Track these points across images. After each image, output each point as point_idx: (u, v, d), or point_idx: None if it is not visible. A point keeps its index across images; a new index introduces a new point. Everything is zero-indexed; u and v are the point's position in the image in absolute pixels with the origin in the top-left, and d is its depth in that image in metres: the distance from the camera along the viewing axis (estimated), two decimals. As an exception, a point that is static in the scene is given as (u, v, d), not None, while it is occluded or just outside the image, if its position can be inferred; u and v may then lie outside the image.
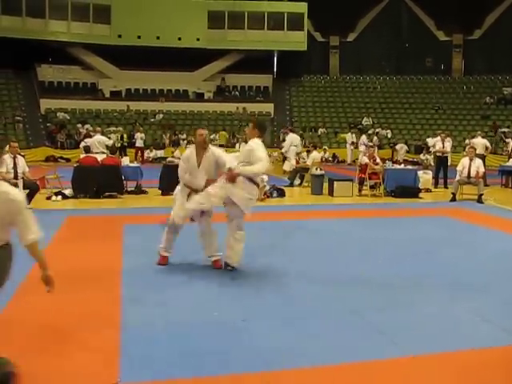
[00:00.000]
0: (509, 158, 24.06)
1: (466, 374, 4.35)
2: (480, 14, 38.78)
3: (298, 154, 20.27)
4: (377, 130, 32.54)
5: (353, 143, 28.99)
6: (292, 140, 21.43)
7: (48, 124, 32.06)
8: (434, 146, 20.20)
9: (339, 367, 4.41)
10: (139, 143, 27.76)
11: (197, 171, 7.22)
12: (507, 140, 26.76)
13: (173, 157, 16.39)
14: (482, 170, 14.72)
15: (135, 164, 16.32)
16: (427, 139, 24.37)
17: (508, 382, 4.28)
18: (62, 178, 14.77)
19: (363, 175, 15.36)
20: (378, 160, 15.84)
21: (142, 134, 28.12)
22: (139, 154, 27.36)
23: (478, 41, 39.53)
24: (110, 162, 14.47)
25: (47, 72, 35.36)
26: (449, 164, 18.15)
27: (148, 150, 28.43)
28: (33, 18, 32.39)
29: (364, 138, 28.86)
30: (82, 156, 15.14)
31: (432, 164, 19.80)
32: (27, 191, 12.13)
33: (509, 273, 7.39)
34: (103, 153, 16.50)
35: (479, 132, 21.35)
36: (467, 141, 27.64)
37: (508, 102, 35.93)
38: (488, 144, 19.35)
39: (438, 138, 20.34)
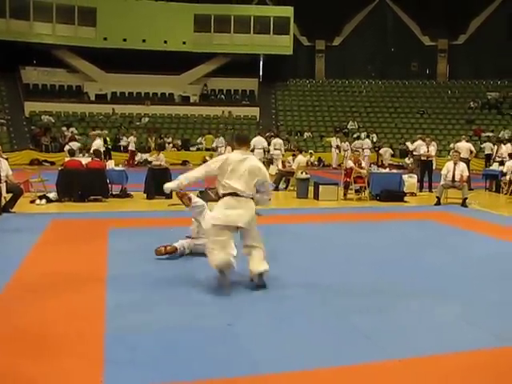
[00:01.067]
0: (486, 163, 24.33)
1: (451, 377, 4.36)
2: (465, 20, 39.15)
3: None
4: (361, 135, 32.71)
5: (337, 147, 29.11)
6: (255, 143, 21.57)
7: (32, 127, 31.84)
8: (414, 149, 20.41)
9: (325, 371, 4.40)
10: (132, 146, 27.92)
11: None
12: (482, 145, 27.00)
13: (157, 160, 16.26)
14: (466, 173, 14.82)
15: (120, 167, 16.22)
16: (407, 143, 24.53)
17: (492, 386, 4.30)
18: (46, 181, 14.67)
19: (348, 179, 15.39)
20: (364, 164, 15.89)
21: (136, 138, 28.35)
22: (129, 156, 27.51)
23: (462, 46, 39.87)
24: (94, 165, 14.40)
25: (32, 74, 35.15)
26: (433, 168, 18.27)
27: (133, 154, 28.43)
28: (17, 19, 32.20)
29: (368, 141, 29.00)
30: (67, 159, 15.05)
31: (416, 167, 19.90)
32: (11, 195, 12.04)
33: (493, 276, 7.44)
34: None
35: (464, 136, 21.49)
36: (452, 145, 27.87)
37: (492, 106, 36.24)
38: (472, 148, 19.49)
39: (419, 141, 20.56)
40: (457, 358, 4.69)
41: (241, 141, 6.85)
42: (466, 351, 4.84)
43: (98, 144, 17.64)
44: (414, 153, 20.66)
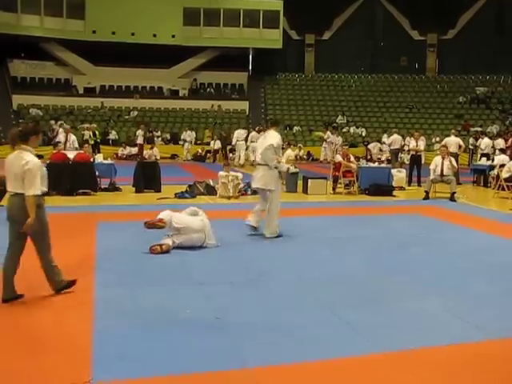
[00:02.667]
0: (470, 157, 24.47)
1: (437, 370, 4.38)
2: (454, 15, 39.28)
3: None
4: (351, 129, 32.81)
5: (325, 140, 29.24)
6: (237, 135, 25.16)
7: (20, 120, 31.61)
8: (391, 144, 20.69)
9: (313, 364, 4.41)
10: (140, 140, 27.89)
11: None
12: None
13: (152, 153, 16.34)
14: (455, 165, 14.86)
15: (109, 161, 16.16)
16: (383, 139, 24.68)
17: (479, 378, 4.33)
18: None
19: (337, 173, 15.41)
20: (352, 158, 15.92)
21: (143, 132, 28.37)
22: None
23: (451, 41, 39.98)
24: (81, 158, 14.33)
25: (20, 67, 34.96)
26: (422, 162, 18.34)
27: (122, 148, 28.30)
28: (4, 11, 31.94)
29: (386, 137, 28.74)
30: (54, 151, 14.99)
31: (406, 162, 20.00)
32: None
33: (479, 269, 7.49)
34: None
35: (453, 131, 21.57)
36: (434, 139, 28.18)
37: (480, 101, 36.38)
38: (461, 143, 19.54)
39: (394, 135, 20.87)
40: (443, 351, 4.72)
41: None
42: (452, 344, 4.87)
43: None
44: (391, 147, 20.98)
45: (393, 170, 16.54)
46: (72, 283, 6.06)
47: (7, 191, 5.95)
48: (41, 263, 5.96)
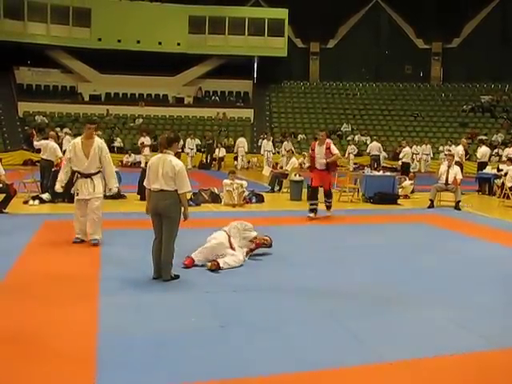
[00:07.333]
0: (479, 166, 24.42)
1: (441, 379, 4.37)
2: (459, 23, 39.29)
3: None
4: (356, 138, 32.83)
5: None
6: (238, 143, 28.32)
7: (26, 127, 31.74)
8: (371, 150, 21.02)
9: (317, 374, 4.40)
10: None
11: None
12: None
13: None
14: (459, 176, 14.84)
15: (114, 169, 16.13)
16: (369, 144, 24.97)
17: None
18: (39, 182, 14.60)
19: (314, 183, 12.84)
20: (333, 146, 12.74)
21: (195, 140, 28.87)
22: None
23: (456, 49, 40.00)
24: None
25: (26, 75, 35.11)
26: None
27: (127, 155, 28.35)
28: (11, 19, 32.11)
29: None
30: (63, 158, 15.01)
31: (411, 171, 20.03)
32: (3, 195, 11.97)
33: (485, 279, 7.46)
34: None
35: (464, 140, 21.48)
36: (441, 147, 28.26)
37: (485, 109, 36.33)
38: (461, 151, 19.51)
39: (374, 143, 21.18)
40: (447, 360, 4.70)
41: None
42: (457, 354, 4.84)
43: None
44: (370, 153, 21.27)
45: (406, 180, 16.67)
46: (177, 277, 6.89)
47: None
48: (163, 250, 6.79)
